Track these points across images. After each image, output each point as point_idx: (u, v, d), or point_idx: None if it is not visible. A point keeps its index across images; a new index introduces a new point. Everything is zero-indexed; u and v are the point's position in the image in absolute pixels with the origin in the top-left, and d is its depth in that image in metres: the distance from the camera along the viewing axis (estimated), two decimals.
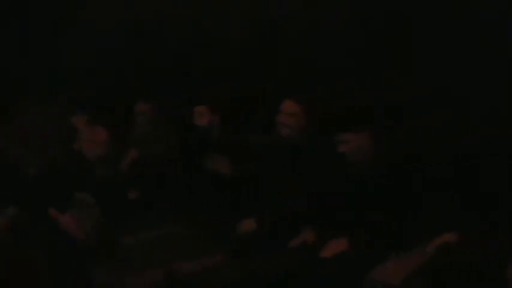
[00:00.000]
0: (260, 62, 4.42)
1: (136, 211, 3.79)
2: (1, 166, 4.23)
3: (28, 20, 6.11)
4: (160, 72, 5.20)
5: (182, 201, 3.82)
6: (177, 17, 5.10)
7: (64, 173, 3.78)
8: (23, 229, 3.49)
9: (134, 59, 5.47)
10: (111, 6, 5.67)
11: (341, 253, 3.03)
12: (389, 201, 3.06)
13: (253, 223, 3.43)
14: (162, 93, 4.84)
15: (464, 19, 3.41)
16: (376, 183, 3.14)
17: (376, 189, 3.13)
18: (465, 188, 2.97)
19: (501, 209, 2.77)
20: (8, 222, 3.74)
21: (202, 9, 4.88)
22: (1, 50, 6.04)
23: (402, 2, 3.68)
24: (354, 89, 3.85)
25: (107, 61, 5.73)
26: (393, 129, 3.39)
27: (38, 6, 6.04)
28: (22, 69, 5.95)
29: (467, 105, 3.40)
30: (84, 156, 3.87)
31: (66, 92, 5.44)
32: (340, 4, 3.95)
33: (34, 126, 4.58)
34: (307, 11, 4.15)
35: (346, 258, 3.01)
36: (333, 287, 2.93)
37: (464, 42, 3.42)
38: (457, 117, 3.36)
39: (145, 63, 5.37)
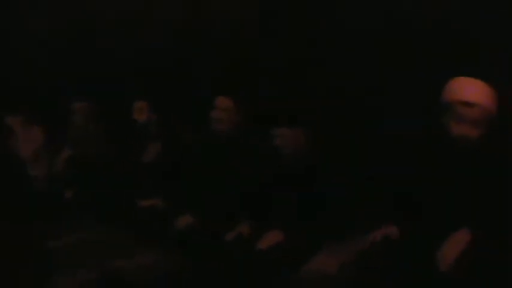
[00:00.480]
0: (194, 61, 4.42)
1: (70, 211, 3.75)
2: None
3: None
4: (97, 70, 5.14)
5: (118, 199, 3.80)
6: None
7: None
8: None
9: (69, 58, 5.41)
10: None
11: (277, 245, 3.04)
12: (322, 193, 3.10)
13: (189, 218, 3.43)
14: (99, 91, 4.79)
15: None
16: (308, 177, 3.18)
17: (309, 182, 3.17)
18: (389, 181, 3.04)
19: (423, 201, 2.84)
20: None
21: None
22: None
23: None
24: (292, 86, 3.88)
25: (42, 60, 5.65)
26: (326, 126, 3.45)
27: None
28: None
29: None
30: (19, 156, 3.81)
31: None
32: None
33: None
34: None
35: (282, 249, 3.03)
36: (269, 277, 2.94)
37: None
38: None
39: (81, 61, 5.30)
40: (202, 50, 4.35)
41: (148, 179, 3.94)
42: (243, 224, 3.23)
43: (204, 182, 3.55)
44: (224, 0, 4.25)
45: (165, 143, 3.99)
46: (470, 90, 2.82)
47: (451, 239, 2.66)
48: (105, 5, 5.12)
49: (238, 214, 3.28)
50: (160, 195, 3.74)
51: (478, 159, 2.83)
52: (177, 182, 3.69)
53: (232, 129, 3.57)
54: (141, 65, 4.78)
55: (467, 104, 2.79)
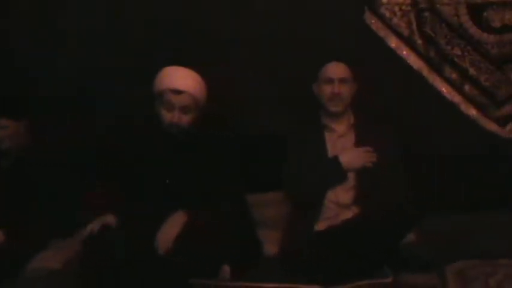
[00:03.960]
0: None
1: None
2: None
3: None
4: None
5: None
6: None
7: None
8: None
9: None
10: None
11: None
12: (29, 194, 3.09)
13: None
14: None
15: None
16: (32, 173, 3.14)
17: (34, 179, 3.12)
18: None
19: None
20: None
21: None
22: None
23: None
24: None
25: None
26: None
27: None
28: None
29: None
30: None
31: None
32: None
33: None
34: None
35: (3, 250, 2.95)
36: None
37: None
38: None
39: None
40: None
41: None
42: None
43: None
44: None
45: None
46: (178, 78, 2.98)
47: (167, 222, 2.79)
48: None
49: None
50: None
51: (190, 145, 3.00)
52: None
53: None
54: None
55: (176, 92, 2.94)
